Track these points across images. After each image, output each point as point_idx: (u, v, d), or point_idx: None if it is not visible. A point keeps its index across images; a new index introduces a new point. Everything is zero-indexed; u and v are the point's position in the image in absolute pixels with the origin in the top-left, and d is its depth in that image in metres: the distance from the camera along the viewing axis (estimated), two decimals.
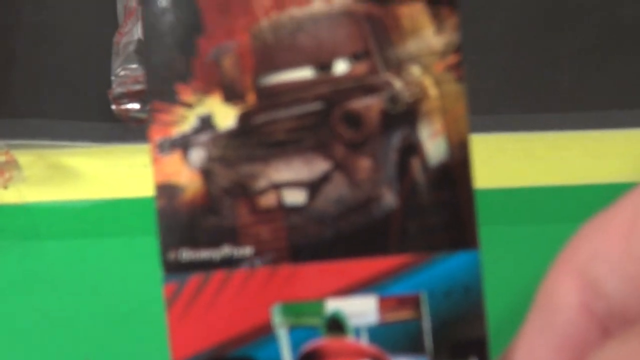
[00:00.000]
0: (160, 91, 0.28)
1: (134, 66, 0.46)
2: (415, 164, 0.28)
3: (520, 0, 0.53)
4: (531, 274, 0.31)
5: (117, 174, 0.44)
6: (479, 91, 0.46)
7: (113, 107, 0.44)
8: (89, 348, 0.40)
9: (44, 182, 0.44)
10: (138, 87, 0.46)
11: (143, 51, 0.32)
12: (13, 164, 0.43)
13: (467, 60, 0.28)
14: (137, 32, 0.48)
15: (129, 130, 0.45)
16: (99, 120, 0.45)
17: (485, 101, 0.46)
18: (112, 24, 0.48)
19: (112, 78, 0.45)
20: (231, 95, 0.28)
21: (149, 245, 0.34)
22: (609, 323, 0.26)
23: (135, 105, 0.44)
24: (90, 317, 0.41)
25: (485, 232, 0.29)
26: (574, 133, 0.46)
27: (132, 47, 0.47)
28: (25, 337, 0.41)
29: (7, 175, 0.43)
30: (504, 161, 0.47)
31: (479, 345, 0.28)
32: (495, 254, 0.33)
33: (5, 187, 0.42)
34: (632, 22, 0.48)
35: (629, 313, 0.26)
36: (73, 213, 0.43)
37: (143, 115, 0.45)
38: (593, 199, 0.44)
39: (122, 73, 0.46)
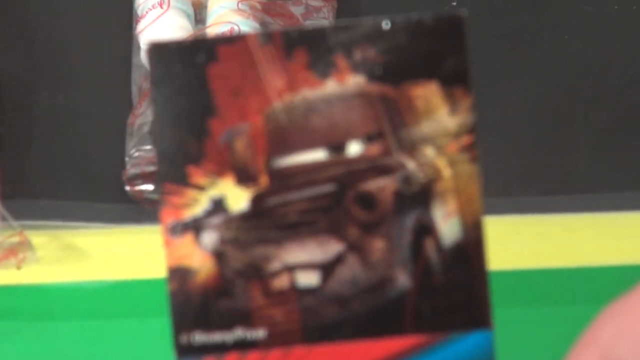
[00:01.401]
0: (172, 173, 0.29)
1: (148, 147, 0.45)
2: (430, 245, 0.29)
3: (536, 83, 0.50)
4: (545, 356, 0.34)
5: (131, 255, 0.43)
6: (493, 173, 0.46)
7: (127, 188, 0.44)
8: None
9: (57, 262, 0.43)
10: (152, 168, 0.45)
11: (153, 133, 0.33)
12: (27, 245, 0.43)
13: (481, 141, 0.28)
14: (146, 120, 0.48)
15: (143, 212, 0.45)
16: (113, 202, 0.45)
17: (499, 183, 0.46)
18: (127, 106, 0.48)
19: (126, 159, 0.45)
20: (244, 178, 0.29)
21: (162, 327, 0.32)
22: None
23: (149, 187, 0.44)
24: None
25: (500, 313, 0.30)
26: (588, 215, 0.45)
27: (146, 129, 0.46)
28: None
29: (20, 256, 0.42)
30: (518, 243, 0.46)
31: None
32: (509, 335, 0.31)
33: (19, 268, 0.42)
34: None
35: None
36: (87, 294, 0.42)
37: (157, 197, 0.43)
38: (608, 281, 0.43)
39: (136, 154, 0.46)
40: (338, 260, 0.29)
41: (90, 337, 0.42)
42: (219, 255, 0.29)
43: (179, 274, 0.29)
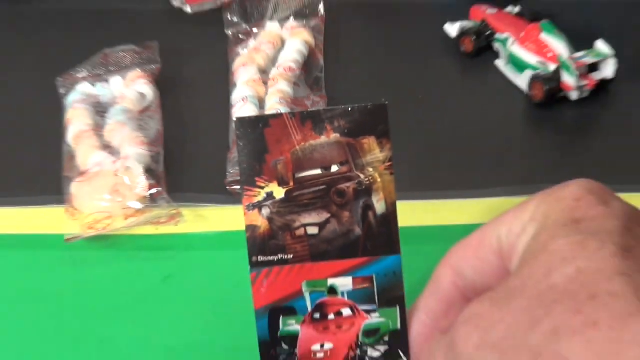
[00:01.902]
0: (248, 181, 0.39)
1: (237, 169, 0.47)
2: (371, 215, 0.39)
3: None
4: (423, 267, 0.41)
5: (229, 219, 0.55)
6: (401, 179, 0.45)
7: (227, 188, 0.57)
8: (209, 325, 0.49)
9: (194, 222, 0.56)
10: (238, 178, 0.46)
11: (238, 161, 0.39)
12: (179, 214, 0.55)
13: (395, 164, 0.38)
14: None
15: (234, 199, 0.56)
16: (221, 194, 0.57)
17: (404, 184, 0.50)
18: (226, 145, 0.60)
19: (227, 174, 0.57)
20: (282, 183, 0.39)
21: (242, 256, 0.41)
22: (467, 293, 0.37)
23: (237, 187, 0.57)
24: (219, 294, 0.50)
25: (404, 249, 0.39)
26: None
27: (236, 159, 0.56)
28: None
29: (177, 220, 0.55)
30: (416, 212, 0.54)
31: (401, 299, 0.39)
32: (408, 257, 0.39)
33: (176, 225, 0.55)
34: None
35: (477, 288, 0.36)
36: (208, 238, 0.55)
37: (241, 192, 0.46)
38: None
39: (231, 171, 0.57)
40: (326, 222, 0.39)
41: (211, 261, 0.53)
42: (270, 220, 0.39)
43: (251, 228, 0.38)
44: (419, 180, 0.58)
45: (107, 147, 0.59)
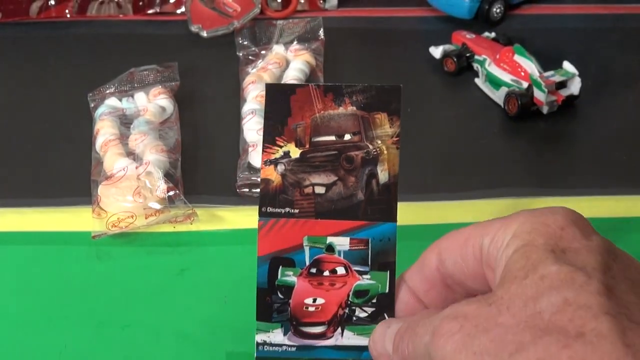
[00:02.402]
0: (268, 139, 0.38)
1: (247, 173, 0.56)
2: (374, 182, 0.38)
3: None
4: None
5: (240, 218, 0.55)
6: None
7: (237, 190, 0.56)
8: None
9: (208, 222, 0.55)
10: (247, 182, 0.56)
11: (265, 118, 0.39)
12: (194, 214, 0.54)
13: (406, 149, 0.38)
14: (247, 160, 0.57)
15: (243, 200, 0.56)
16: (232, 196, 0.57)
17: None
18: (237, 152, 0.60)
19: (237, 178, 0.57)
20: (299, 144, 0.38)
21: (251, 251, 0.40)
22: (447, 280, 0.36)
23: (246, 190, 0.56)
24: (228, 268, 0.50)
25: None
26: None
27: (245, 165, 0.57)
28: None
29: (192, 219, 0.54)
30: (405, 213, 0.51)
31: (392, 265, 0.38)
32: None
33: (191, 223, 0.54)
34: None
35: (455, 279, 0.36)
36: (220, 235, 0.54)
37: (252, 195, 0.55)
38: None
39: (241, 176, 0.57)
40: (333, 184, 0.38)
41: (219, 256, 0.52)
42: (283, 175, 0.38)
43: (265, 181, 0.38)
44: (407, 184, 0.53)
45: (131, 154, 0.58)
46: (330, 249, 0.38)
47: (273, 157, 0.38)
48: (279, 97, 0.38)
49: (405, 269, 0.38)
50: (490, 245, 0.33)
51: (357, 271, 0.38)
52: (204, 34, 0.76)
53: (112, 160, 0.58)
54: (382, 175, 0.38)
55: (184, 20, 0.76)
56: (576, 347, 0.27)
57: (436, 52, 0.71)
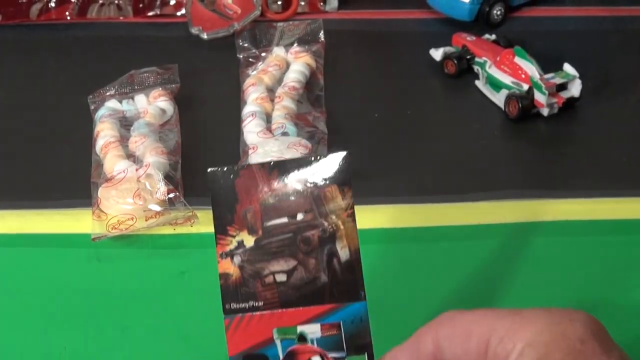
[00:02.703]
0: (220, 230, 0.37)
1: None
2: (335, 262, 0.37)
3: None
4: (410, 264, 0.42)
5: None
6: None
7: None
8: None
9: (208, 223, 0.47)
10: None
11: (213, 210, 0.37)
12: (194, 216, 0.54)
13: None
14: (247, 161, 0.56)
15: None
16: None
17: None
18: (238, 155, 0.59)
19: None
20: (251, 231, 0.37)
21: None
22: None
23: None
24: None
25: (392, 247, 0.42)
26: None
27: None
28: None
29: (192, 221, 0.54)
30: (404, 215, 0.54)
31: (368, 347, 0.36)
32: (395, 254, 0.42)
33: (192, 226, 0.54)
34: None
35: None
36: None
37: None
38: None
39: None
40: (294, 269, 0.37)
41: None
42: (241, 267, 0.37)
43: (224, 276, 0.36)
44: (408, 185, 0.57)
45: (131, 156, 0.58)
46: (302, 338, 0.36)
47: (227, 248, 0.37)
48: (222, 183, 0.37)
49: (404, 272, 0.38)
50: (499, 346, 0.31)
51: (334, 358, 0.36)
52: (204, 36, 0.76)
53: (112, 162, 0.58)
54: (343, 252, 0.36)
55: (184, 23, 0.76)
56: None
57: (436, 54, 0.71)
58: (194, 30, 0.76)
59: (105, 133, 0.60)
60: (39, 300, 0.49)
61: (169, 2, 0.79)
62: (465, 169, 0.59)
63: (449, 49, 0.71)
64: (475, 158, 0.61)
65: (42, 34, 0.76)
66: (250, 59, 0.69)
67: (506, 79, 0.65)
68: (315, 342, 0.36)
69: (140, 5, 0.79)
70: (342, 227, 0.36)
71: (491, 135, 0.63)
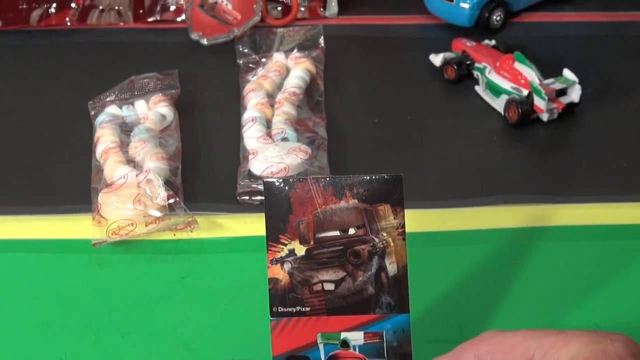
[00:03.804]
0: (272, 238, 0.39)
1: (247, 181, 0.57)
2: (383, 275, 0.39)
3: None
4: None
5: (239, 226, 0.55)
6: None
7: (237, 198, 0.57)
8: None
9: (208, 229, 0.55)
10: (247, 189, 0.56)
11: (266, 218, 0.39)
12: (194, 222, 0.54)
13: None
14: (247, 168, 0.57)
15: (243, 208, 0.56)
16: (232, 204, 0.57)
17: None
18: (237, 160, 0.60)
19: (237, 186, 0.57)
20: (303, 241, 0.39)
21: (251, 258, 0.47)
22: None
23: (246, 197, 0.56)
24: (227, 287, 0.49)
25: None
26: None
27: (246, 173, 0.57)
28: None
29: (192, 226, 0.54)
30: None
31: (409, 356, 0.38)
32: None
33: (192, 231, 0.54)
34: None
35: None
36: (220, 243, 0.54)
37: (252, 202, 0.56)
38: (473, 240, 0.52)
39: (241, 184, 0.57)
40: (342, 280, 0.39)
41: (218, 262, 0.52)
42: (290, 274, 0.39)
43: (273, 281, 0.38)
44: (408, 191, 0.54)
45: (131, 162, 0.58)
46: (344, 344, 0.38)
47: (278, 255, 0.38)
48: (278, 193, 0.38)
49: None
50: None
51: None
52: (204, 41, 0.76)
53: (113, 168, 0.58)
54: (391, 267, 0.38)
55: (184, 28, 0.77)
56: None
57: (436, 59, 0.71)
58: (194, 36, 0.77)
59: (105, 139, 0.61)
60: (39, 305, 0.49)
61: (169, 8, 0.80)
62: (465, 174, 0.60)
63: (448, 54, 0.71)
64: (475, 163, 0.61)
65: (43, 40, 0.76)
66: (250, 65, 0.70)
67: (506, 85, 0.66)
68: (357, 349, 0.38)
69: (141, 11, 0.80)
70: (392, 244, 0.38)
71: (491, 141, 0.63)
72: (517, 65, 0.65)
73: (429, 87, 0.69)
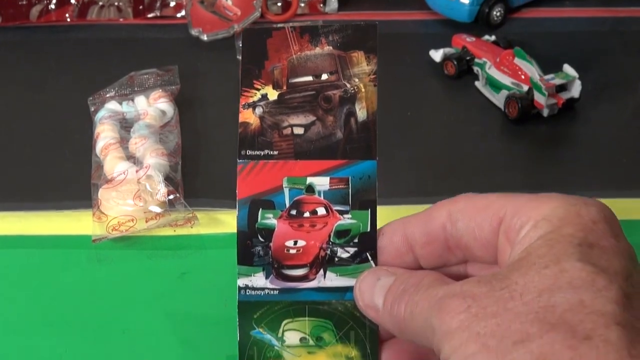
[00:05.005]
0: (246, 83, 0.38)
1: None
2: (353, 120, 0.38)
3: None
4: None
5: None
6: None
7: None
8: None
9: (208, 225, 0.55)
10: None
11: (242, 64, 0.39)
12: (194, 217, 0.54)
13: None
14: None
15: None
16: (232, 199, 0.49)
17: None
18: (237, 158, 0.57)
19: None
20: (276, 86, 0.39)
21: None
22: (450, 241, 0.35)
23: None
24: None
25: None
26: None
27: None
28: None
29: (193, 222, 0.54)
30: None
31: (373, 203, 0.37)
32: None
33: (192, 227, 0.54)
34: None
35: (461, 244, 0.34)
36: (220, 239, 0.54)
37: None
38: None
39: None
40: (312, 124, 0.38)
41: (219, 258, 0.52)
42: (261, 118, 0.38)
43: (243, 125, 0.38)
44: (408, 187, 0.57)
45: (131, 158, 0.58)
46: (310, 189, 0.37)
47: (251, 100, 0.38)
48: (255, 41, 0.38)
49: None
50: (514, 219, 0.32)
51: (338, 211, 0.37)
52: (204, 37, 0.76)
53: (113, 163, 0.58)
54: (361, 113, 0.38)
55: (184, 24, 0.77)
56: (581, 350, 0.26)
57: (436, 55, 0.71)
58: (194, 32, 0.77)
59: (105, 134, 0.61)
60: (39, 302, 0.49)
61: (169, 3, 0.80)
62: (464, 170, 0.60)
63: (448, 50, 0.71)
64: (475, 159, 0.61)
65: (42, 36, 0.76)
66: None
67: (506, 80, 0.65)
68: (322, 194, 0.37)
69: (140, 7, 0.80)
70: (363, 90, 0.38)
71: (491, 137, 0.63)
72: (517, 61, 0.65)
73: (428, 83, 0.69)
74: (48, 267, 0.52)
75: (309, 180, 0.37)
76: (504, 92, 0.65)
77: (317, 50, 0.38)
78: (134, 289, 0.50)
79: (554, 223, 0.30)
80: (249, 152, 0.38)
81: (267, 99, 0.38)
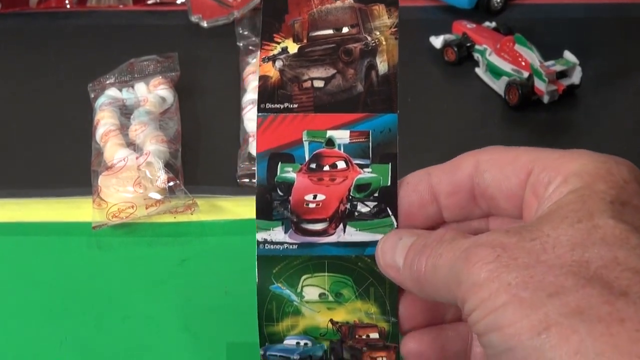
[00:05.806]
0: (266, 37, 0.38)
1: (247, 164, 0.57)
2: (373, 73, 0.37)
3: None
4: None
5: (240, 208, 0.55)
6: None
7: (237, 181, 0.57)
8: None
9: (208, 211, 0.55)
10: (248, 172, 0.56)
11: (263, 15, 0.38)
12: (195, 204, 0.54)
13: None
14: (247, 150, 0.58)
15: (244, 190, 0.57)
16: (232, 186, 0.57)
17: None
18: (237, 143, 0.60)
19: (238, 168, 0.58)
20: (297, 40, 0.37)
21: (251, 241, 0.42)
22: (476, 191, 0.34)
23: (246, 180, 0.56)
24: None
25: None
26: None
27: (246, 155, 0.58)
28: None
29: (193, 209, 0.54)
30: None
31: (394, 157, 0.36)
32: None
33: (192, 214, 0.54)
34: None
35: (486, 194, 0.34)
36: (220, 226, 0.54)
37: (252, 185, 0.55)
38: None
39: (242, 166, 0.58)
40: (332, 77, 0.37)
41: (220, 245, 0.53)
42: (281, 71, 0.37)
43: (263, 78, 0.37)
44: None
45: (131, 145, 0.58)
46: (330, 142, 0.37)
47: (271, 53, 0.37)
48: None
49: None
50: (543, 173, 0.31)
51: (358, 164, 0.36)
52: (204, 24, 0.76)
53: (113, 150, 0.58)
54: (382, 66, 0.37)
55: (184, 11, 0.77)
56: (618, 305, 0.26)
57: (437, 41, 0.70)
58: (194, 19, 0.76)
59: (105, 121, 0.60)
60: (39, 289, 0.49)
61: None
62: None
63: (449, 36, 0.71)
64: (475, 145, 0.56)
65: (42, 23, 0.75)
66: (250, 47, 0.69)
67: (506, 67, 0.65)
68: (342, 148, 0.36)
69: None
70: (384, 42, 0.37)
71: (491, 123, 0.63)
72: (518, 47, 0.65)
73: (429, 69, 0.69)
74: (48, 254, 0.52)
75: (329, 133, 0.36)
76: (505, 79, 0.64)
77: (338, 3, 0.38)
78: (134, 275, 0.50)
79: (584, 179, 0.29)
80: (268, 106, 0.37)
81: (287, 52, 0.37)
